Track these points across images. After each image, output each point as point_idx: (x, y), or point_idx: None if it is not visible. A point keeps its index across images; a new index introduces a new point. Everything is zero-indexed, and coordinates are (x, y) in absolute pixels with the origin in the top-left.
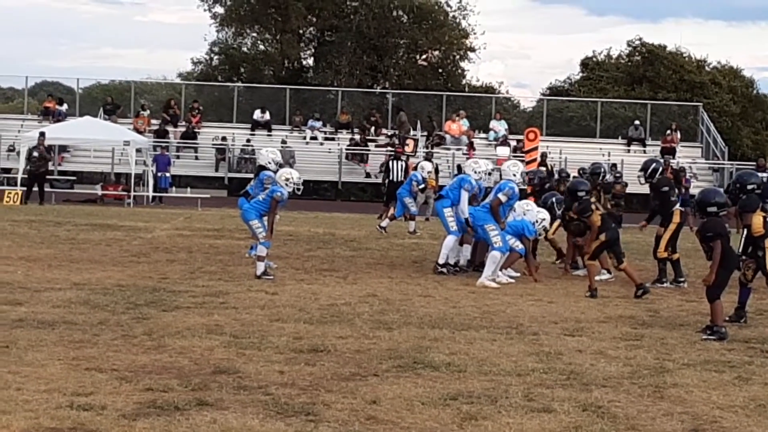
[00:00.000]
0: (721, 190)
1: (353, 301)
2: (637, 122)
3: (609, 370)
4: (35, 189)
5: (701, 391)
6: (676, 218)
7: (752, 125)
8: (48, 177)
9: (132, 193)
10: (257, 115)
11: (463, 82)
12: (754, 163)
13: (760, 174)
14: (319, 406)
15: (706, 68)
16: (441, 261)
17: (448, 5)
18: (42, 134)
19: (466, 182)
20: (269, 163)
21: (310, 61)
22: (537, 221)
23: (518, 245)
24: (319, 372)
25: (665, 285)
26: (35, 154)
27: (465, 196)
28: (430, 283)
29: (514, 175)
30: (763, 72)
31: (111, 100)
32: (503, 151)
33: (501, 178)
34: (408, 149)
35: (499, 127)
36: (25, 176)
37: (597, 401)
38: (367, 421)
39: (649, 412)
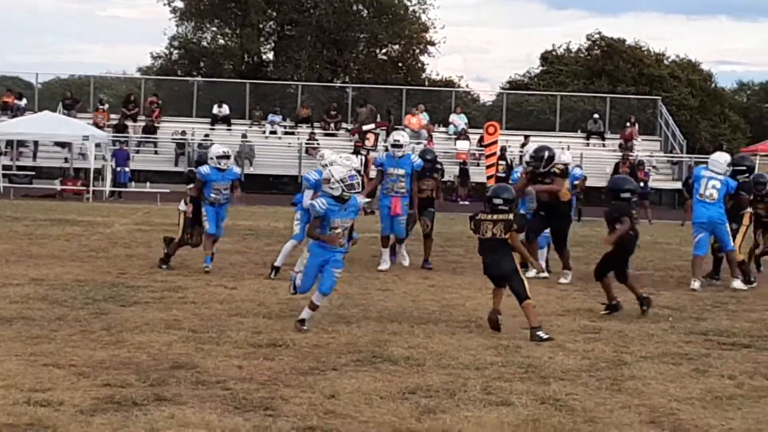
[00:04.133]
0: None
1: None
2: (596, 116)
3: (567, 363)
4: None
5: (658, 383)
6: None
7: (710, 118)
8: (5, 172)
9: (91, 188)
10: (216, 109)
11: (423, 76)
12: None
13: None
14: (278, 401)
15: (665, 62)
16: None
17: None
18: None
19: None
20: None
21: (270, 56)
22: None
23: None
24: (277, 366)
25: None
26: None
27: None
28: (389, 277)
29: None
30: (721, 66)
31: (70, 95)
32: (463, 145)
33: None
34: (368, 143)
35: (458, 121)
36: None
37: (555, 394)
38: (326, 415)
39: (607, 405)
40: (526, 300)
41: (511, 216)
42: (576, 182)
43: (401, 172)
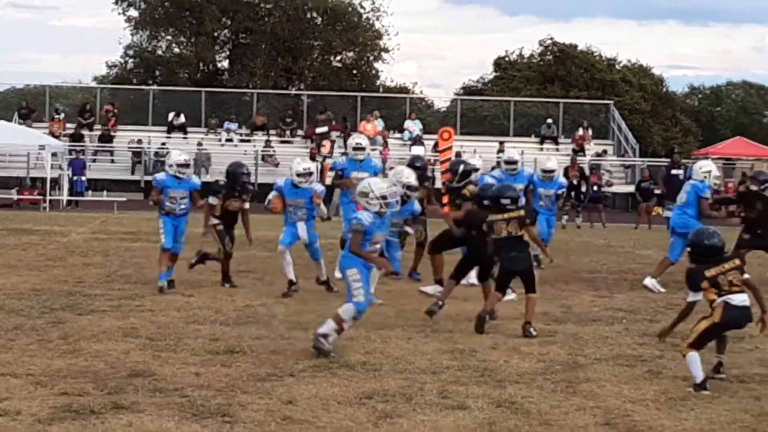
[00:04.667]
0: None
1: (269, 302)
2: (549, 120)
3: (522, 366)
4: None
5: (613, 385)
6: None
7: (662, 122)
8: None
9: (48, 197)
10: (172, 117)
11: (378, 82)
12: (668, 160)
13: (675, 171)
14: (235, 407)
15: (617, 67)
16: None
17: (362, 7)
18: None
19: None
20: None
21: (225, 64)
22: None
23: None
24: (235, 373)
25: None
26: None
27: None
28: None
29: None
30: (672, 70)
31: (26, 105)
32: (418, 151)
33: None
34: (324, 150)
35: (413, 127)
36: None
37: (511, 397)
38: (283, 421)
39: (562, 407)
40: (535, 294)
41: (522, 212)
42: (560, 191)
43: (365, 175)
